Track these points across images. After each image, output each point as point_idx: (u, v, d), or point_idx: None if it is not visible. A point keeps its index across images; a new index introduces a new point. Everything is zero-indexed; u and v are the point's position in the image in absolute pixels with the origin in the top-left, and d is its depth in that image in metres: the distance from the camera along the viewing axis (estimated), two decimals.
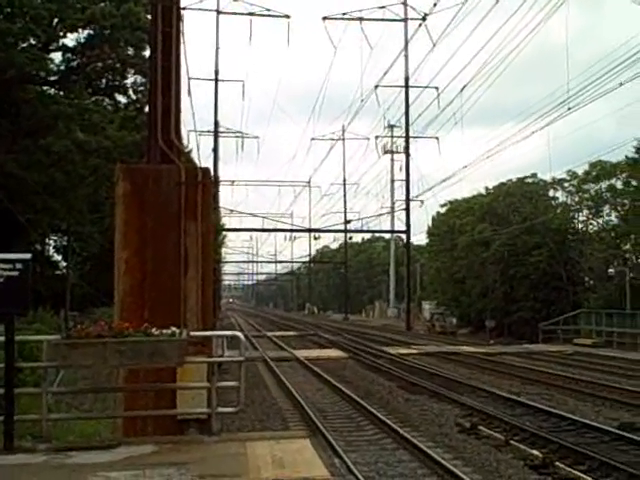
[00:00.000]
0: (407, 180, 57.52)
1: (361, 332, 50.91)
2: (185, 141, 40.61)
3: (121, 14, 27.84)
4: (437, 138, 59.20)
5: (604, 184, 47.05)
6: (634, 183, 43.83)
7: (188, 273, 9.06)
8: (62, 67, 30.34)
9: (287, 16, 49.02)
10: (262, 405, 17.26)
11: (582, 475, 10.39)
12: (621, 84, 26.72)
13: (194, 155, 41.57)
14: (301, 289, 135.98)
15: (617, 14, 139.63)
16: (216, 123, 55.09)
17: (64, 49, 30.11)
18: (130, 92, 31.96)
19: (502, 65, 58.75)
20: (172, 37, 9.98)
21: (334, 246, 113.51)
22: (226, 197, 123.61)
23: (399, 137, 67.41)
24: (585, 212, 51.07)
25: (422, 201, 60.19)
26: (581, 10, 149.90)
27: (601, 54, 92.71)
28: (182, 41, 11.48)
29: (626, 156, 43.66)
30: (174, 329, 7.36)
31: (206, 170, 9.73)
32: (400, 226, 61.83)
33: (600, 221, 49.12)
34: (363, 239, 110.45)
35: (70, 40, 29.89)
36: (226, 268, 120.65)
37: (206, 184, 9.41)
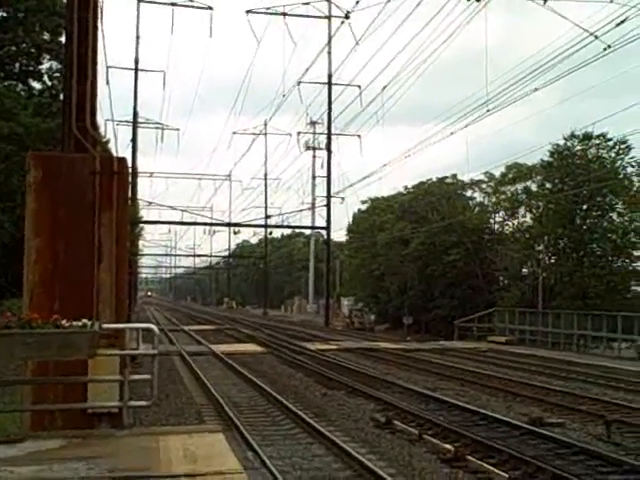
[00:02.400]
0: (328, 177, 57.97)
1: (280, 327, 50.93)
2: (103, 131, 39.72)
3: None
4: (359, 136, 59.93)
5: (520, 186, 48.18)
6: (548, 186, 45.01)
7: (102, 264, 8.85)
8: None
9: (210, 7, 48.72)
10: (177, 399, 17.02)
11: (492, 468, 10.59)
12: (536, 89, 27.52)
13: (112, 145, 40.58)
14: (220, 283, 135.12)
15: (538, 22, 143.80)
16: (135, 113, 54.08)
17: None
18: (45, 78, 31.12)
19: (424, 65, 59.78)
20: (89, 23, 9.74)
21: (254, 241, 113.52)
22: (145, 189, 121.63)
23: (321, 134, 67.73)
24: (501, 213, 52.22)
25: (343, 198, 60.89)
26: (506, 16, 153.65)
27: (523, 58, 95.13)
28: (100, 28, 11.23)
29: (541, 159, 44.83)
30: (85, 321, 7.18)
31: (122, 160, 9.53)
32: (321, 222, 62.30)
33: (515, 222, 50.31)
34: (283, 234, 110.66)
35: None
36: (143, 261, 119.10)
37: (122, 174, 9.21)
